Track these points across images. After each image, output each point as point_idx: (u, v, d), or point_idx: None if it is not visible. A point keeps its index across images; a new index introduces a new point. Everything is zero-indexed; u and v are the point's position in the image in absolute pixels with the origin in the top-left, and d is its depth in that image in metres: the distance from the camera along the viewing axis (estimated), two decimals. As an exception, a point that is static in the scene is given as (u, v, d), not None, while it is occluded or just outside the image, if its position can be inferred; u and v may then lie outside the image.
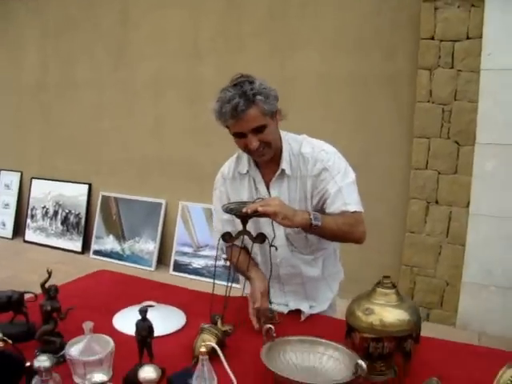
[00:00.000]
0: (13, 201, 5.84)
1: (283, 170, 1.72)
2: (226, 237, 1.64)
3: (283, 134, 1.76)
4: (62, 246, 5.33)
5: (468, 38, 3.33)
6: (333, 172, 1.69)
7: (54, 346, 1.36)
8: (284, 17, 4.09)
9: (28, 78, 5.62)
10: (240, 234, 1.60)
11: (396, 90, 3.72)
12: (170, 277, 4.53)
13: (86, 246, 5.22)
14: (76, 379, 1.26)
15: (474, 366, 1.42)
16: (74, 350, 1.27)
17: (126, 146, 5.05)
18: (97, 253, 5.07)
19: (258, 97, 1.56)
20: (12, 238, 5.74)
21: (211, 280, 4.62)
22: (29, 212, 5.68)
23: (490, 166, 3.37)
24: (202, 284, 4.31)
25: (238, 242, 1.74)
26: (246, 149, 1.66)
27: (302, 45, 4.03)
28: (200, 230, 4.58)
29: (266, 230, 1.68)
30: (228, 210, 1.59)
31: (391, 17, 3.67)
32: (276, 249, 1.63)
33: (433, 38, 3.42)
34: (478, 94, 3.33)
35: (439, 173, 3.53)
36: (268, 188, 1.76)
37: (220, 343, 1.40)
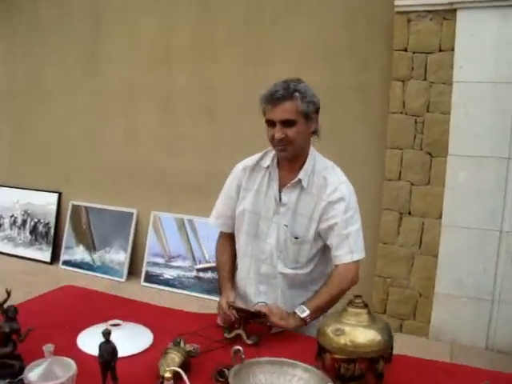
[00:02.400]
0: (-21, 209, 5.66)
1: (300, 180, 1.77)
2: (226, 331, 1.67)
3: (313, 150, 1.84)
4: (30, 256, 5.18)
5: (440, 50, 3.36)
6: (348, 207, 1.76)
7: (13, 369, 1.29)
8: (258, 28, 4.06)
9: (-5, 83, 5.48)
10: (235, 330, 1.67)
11: (369, 102, 3.73)
12: (142, 288, 4.45)
13: (55, 257, 5.08)
14: (34, 405, 1.19)
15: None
16: (33, 374, 1.20)
17: (97, 154, 4.95)
18: (66, 263, 4.94)
19: (297, 93, 1.66)
20: (-22, 248, 5.57)
21: (183, 291, 4.59)
22: (-4, 221, 5.52)
23: (462, 177, 3.40)
24: (174, 295, 4.25)
25: (229, 230, 1.97)
26: (272, 139, 1.72)
27: (275, 56, 4.00)
28: (172, 241, 4.51)
29: (263, 226, 1.82)
30: (233, 307, 1.69)
31: (364, 28, 3.69)
32: (270, 329, 1.71)
33: (406, 50, 3.44)
34: (451, 105, 3.36)
35: (412, 184, 3.54)
36: (280, 192, 1.81)
37: (185, 364, 1.35)
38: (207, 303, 4.02)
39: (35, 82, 5.20)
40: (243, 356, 1.31)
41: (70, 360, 1.26)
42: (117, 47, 4.70)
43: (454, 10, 3.27)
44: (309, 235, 1.78)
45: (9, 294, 1.33)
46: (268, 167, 1.85)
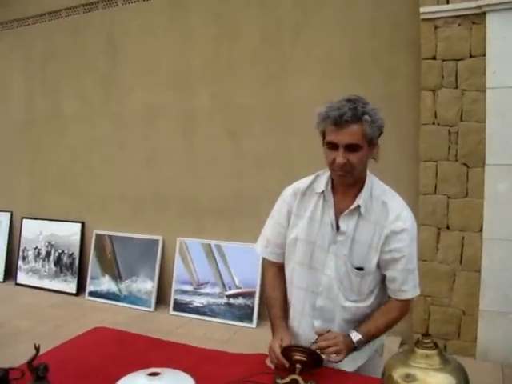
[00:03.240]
0: (3, 242, 5.63)
1: (358, 206, 1.66)
2: (278, 377, 1.50)
3: (369, 173, 1.73)
4: (55, 288, 5.10)
5: (471, 56, 3.23)
6: (412, 238, 1.67)
7: None
8: (277, 43, 3.99)
9: (14, 113, 5.49)
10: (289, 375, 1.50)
11: (398, 113, 3.59)
12: (171, 317, 4.32)
13: (80, 287, 5.00)
14: None
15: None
16: None
17: (119, 181, 4.88)
18: (92, 294, 4.85)
19: (366, 117, 1.55)
20: (3, 281, 5.52)
21: (214, 319, 4.45)
22: (20, 253, 5.47)
23: (502, 187, 3.24)
24: (205, 324, 4.13)
25: (278, 259, 1.83)
26: (332, 163, 1.61)
27: (297, 71, 3.91)
28: (200, 267, 4.38)
29: (320, 256, 1.70)
30: (288, 348, 1.57)
31: (389, 38, 3.58)
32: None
33: (434, 58, 3.32)
34: (485, 113, 3.21)
35: (449, 197, 3.38)
36: (337, 219, 1.69)
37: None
38: (240, 330, 3.90)
39: (53, 110, 5.20)
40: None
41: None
42: (134, 71, 4.66)
43: (484, 14, 3.15)
44: (371, 265, 1.65)
45: (38, 350, 1.21)
46: (322, 192, 1.73)
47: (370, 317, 1.68)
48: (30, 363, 1.21)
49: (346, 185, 1.68)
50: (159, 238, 4.63)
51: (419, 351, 1.18)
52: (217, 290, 4.25)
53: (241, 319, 4.03)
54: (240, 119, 4.20)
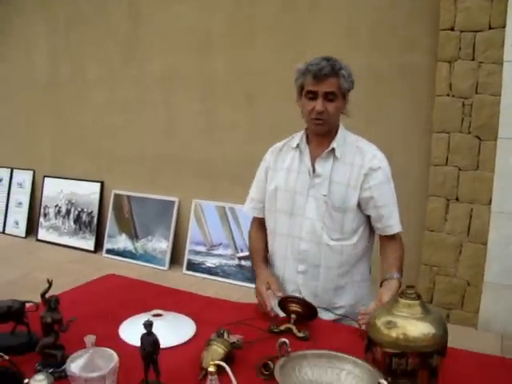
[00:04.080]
0: (25, 199, 5.81)
1: (333, 149, 1.79)
2: (273, 326, 1.60)
3: (341, 126, 1.86)
4: (74, 245, 5.28)
5: (490, 28, 3.19)
6: (389, 177, 1.81)
7: (55, 359, 1.29)
8: (296, 11, 3.98)
9: (39, 76, 5.58)
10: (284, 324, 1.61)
11: (414, 84, 3.60)
12: (184, 276, 4.46)
13: (98, 245, 5.17)
14: (77, 397, 1.18)
15: (504, 381, 1.32)
16: (74, 366, 1.18)
17: (138, 143, 4.98)
18: (109, 251, 5.01)
19: (342, 71, 1.71)
20: (25, 237, 5.72)
21: (225, 279, 4.58)
22: (41, 211, 5.65)
23: (513, 161, 3.25)
24: (216, 284, 4.25)
25: (260, 214, 1.97)
26: (311, 111, 1.74)
27: (315, 39, 3.91)
28: (213, 229, 4.50)
29: (300, 202, 1.81)
30: (284, 298, 1.67)
31: (408, 8, 3.55)
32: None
33: (453, 29, 3.29)
34: (501, 86, 3.20)
35: (460, 169, 3.41)
36: (313, 164, 1.81)
37: (228, 356, 1.32)
38: (250, 291, 4.00)
39: (77, 73, 5.28)
40: (289, 349, 1.26)
41: (111, 351, 1.24)
42: (155, 37, 4.71)
43: None
44: (350, 203, 1.76)
45: (50, 283, 1.32)
46: (297, 146, 1.87)
47: (382, 261, 1.80)
48: (43, 295, 1.32)
49: (321, 134, 1.81)
50: (175, 199, 4.74)
51: (402, 301, 1.25)
52: (229, 251, 4.37)
53: (251, 280, 4.15)
54: (257, 86, 4.24)
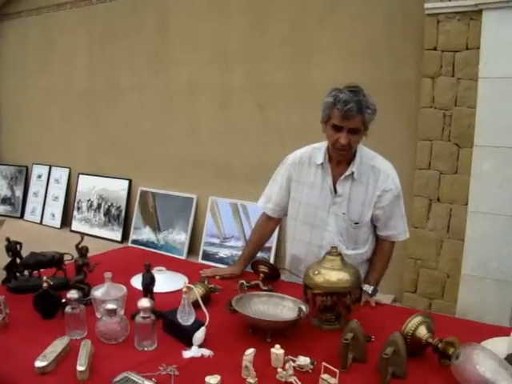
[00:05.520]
0: (61, 194, 6.41)
1: (352, 173, 2.03)
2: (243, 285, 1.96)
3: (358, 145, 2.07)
4: (103, 236, 5.85)
5: (467, 48, 3.57)
6: (399, 192, 2.07)
7: (83, 291, 1.80)
8: (304, 30, 4.46)
9: (77, 84, 6.19)
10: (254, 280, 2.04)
11: (403, 97, 4.03)
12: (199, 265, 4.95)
13: (125, 236, 5.72)
14: (98, 315, 1.70)
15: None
16: (97, 292, 1.71)
17: (163, 145, 5.53)
18: (135, 242, 5.56)
19: (368, 110, 1.90)
20: (60, 228, 6.32)
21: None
22: (75, 204, 6.24)
23: (487, 166, 3.58)
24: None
25: (274, 215, 2.24)
26: (336, 142, 1.95)
27: (319, 55, 4.38)
28: (227, 223, 5.01)
29: (321, 216, 2.07)
30: (258, 263, 2.14)
31: (400, 28, 3.98)
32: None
33: (435, 49, 3.69)
34: (476, 100, 3.58)
35: (441, 173, 3.78)
36: (334, 184, 2.07)
37: (206, 297, 1.81)
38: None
39: (110, 81, 5.87)
40: (246, 289, 1.75)
41: (122, 286, 1.76)
42: (180, 50, 5.25)
43: (480, 11, 3.48)
44: (365, 219, 2.05)
45: (82, 237, 1.84)
46: (321, 164, 2.08)
47: (371, 265, 2.12)
48: (77, 246, 1.85)
49: (343, 159, 2.04)
50: (194, 196, 5.27)
51: (327, 257, 1.74)
52: (240, 243, 4.87)
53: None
54: (269, 95, 4.73)
